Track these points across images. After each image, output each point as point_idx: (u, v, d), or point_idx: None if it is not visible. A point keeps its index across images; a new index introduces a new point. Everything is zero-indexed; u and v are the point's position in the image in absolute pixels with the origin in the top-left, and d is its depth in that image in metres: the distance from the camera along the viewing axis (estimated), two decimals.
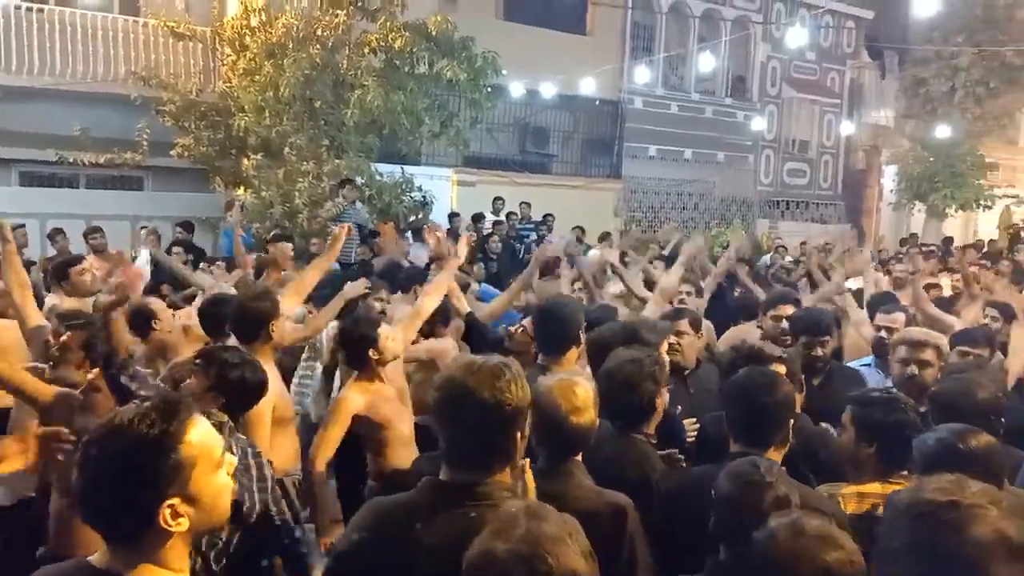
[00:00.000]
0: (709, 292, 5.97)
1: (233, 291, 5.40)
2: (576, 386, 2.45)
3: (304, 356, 5.42)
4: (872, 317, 5.16)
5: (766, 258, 12.93)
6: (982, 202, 19.72)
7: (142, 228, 8.56)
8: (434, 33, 11.00)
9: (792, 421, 2.70)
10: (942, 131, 17.97)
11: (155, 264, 8.54)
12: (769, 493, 2.20)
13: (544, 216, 13.03)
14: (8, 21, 11.45)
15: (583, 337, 3.60)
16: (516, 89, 14.03)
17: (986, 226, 22.03)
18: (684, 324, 4.26)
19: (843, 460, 2.87)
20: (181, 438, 1.53)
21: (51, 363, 3.51)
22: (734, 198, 19.75)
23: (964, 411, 2.82)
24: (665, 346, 3.72)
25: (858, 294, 6.46)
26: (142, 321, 4.57)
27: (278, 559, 3.10)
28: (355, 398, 3.84)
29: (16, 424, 3.73)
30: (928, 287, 7.59)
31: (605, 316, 4.31)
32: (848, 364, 4.81)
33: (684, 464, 3.04)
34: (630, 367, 2.93)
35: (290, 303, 4.50)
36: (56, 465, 2.72)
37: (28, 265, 7.09)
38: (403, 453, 3.97)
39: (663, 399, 3.03)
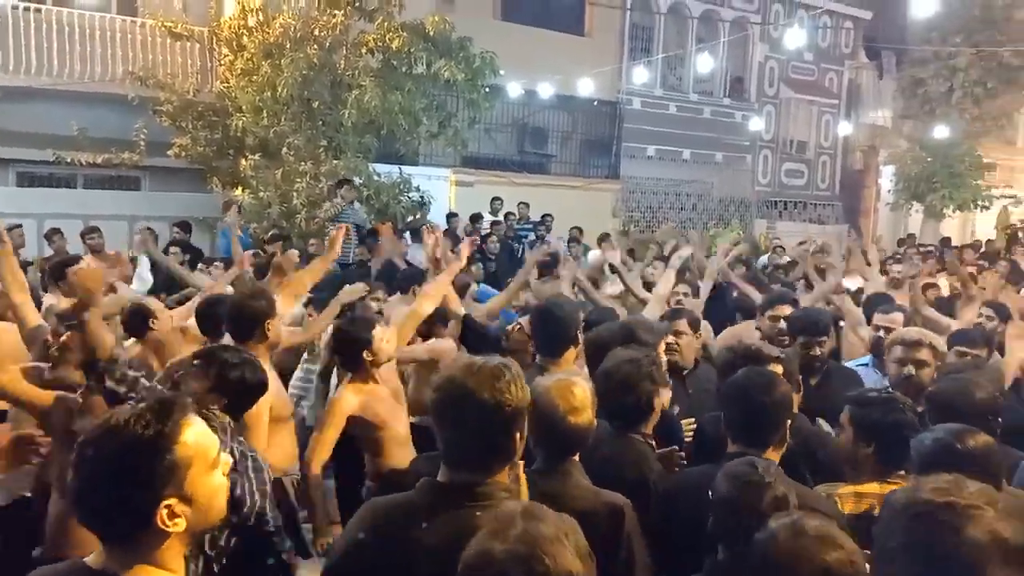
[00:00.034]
0: (705, 293, 5.97)
1: (231, 291, 5.39)
2: (574, 386, 2.45)
3: (304, 358, 5.42)
4: (868, 317, 5.17)
5: (764, 258, 12.93)
6: (980, 202, 19.74)
7: (143, 228, 8.52)
8: (432, 33, 11.00)
9: (790, 421, 2.70)
10: (940, 131, 17.98)
11: (153, 266, 8.54)
12: (767, 493, 2.20)
13: (542, 216, 13.03)
14: (5, 21, 11.43)
15: (581, 337, 3.60)
16: (514, 89, 14.03)
17: (984, 226, 22.06)
18: (682, 324, 4.26)
19: (841, 460, 2.87)
20: (176, 438, 1.54)
21: (51, 363, 3.51)
22: (732, 198, 19.76)
23: (961, 411, 2.82)
24: (663, 346, 3.72)
25: (856, 295, 6.47)
26: (139, 321, 4.54)
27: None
28: (350, 399, 3.84)
29: (15, 425, 3.73)
30: (926, 287, 7.60)
31: (604, 317, 4.31)
32: (846, 364, 4.81)
33: (684, 461, 3.04)
34: (628, 367, 2.93)
35: (284, 304, 4.50)
36: (56, 462, 2.73)
37: (25, 265, 7.08)
38: (400, 453, 3.96)
39: (661, 399, 3.02)
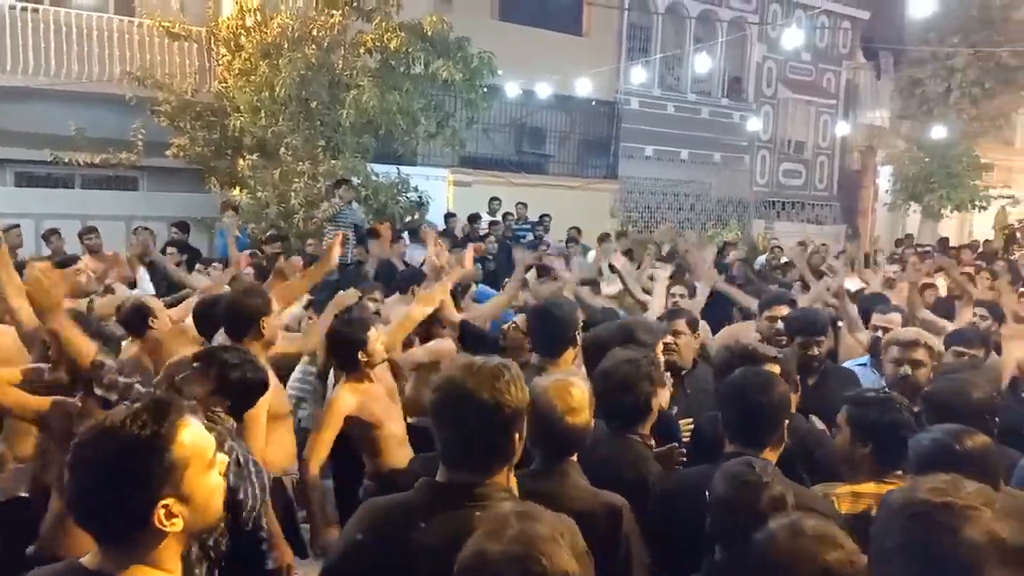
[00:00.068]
0: (702, 295, 5.97)
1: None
2: (572, 386, 2.45)
3: (303, 359, 5.41)
4: (865, 317, 5.17)
5: (761, 258, 12.94)
6: (977, 203, 19.74)
7: (141, 230, 8.48)
8: (430, 33, 10.99)
9: (787, 421, 2.70)
10: (938, 132, 17.99)
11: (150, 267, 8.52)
12: (765, 493, 2.21)
13: (540, 216, 13.03)
14: (3, 21, 11.40)
15: (579, 338, 3.60)
16: (512, 89, 14.01)
17: (982, 227, 22.08)
18: (681, 324, 4.25)
19: (838, 460, 2.87)
20: (173, 438, 1.54)
21: (50, 364, 3.50)
22: (730, 199, 19.76)
23: (958, 411, 2.82)
24: (660, 346, 3.72)
25: (855, 295, 6.47)
26: (139, 319, 4.54)
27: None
28: (347, 399, 3.84)
29: (7, 436, 3.74)
30: (924, 287, 7.61)
31: (604, 318, 4.31)
32: (844, 364, 4.82)
33: (685, 458, 3.04)
34: (626, 367, 2.93)
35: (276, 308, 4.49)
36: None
37: (21, 266, 7.07)
38: (399, 453, 3.97)
39: (659, 399, 3.02)
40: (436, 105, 11.90)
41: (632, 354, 3.02)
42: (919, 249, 12.85)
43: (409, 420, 4.29)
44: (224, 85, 11.68)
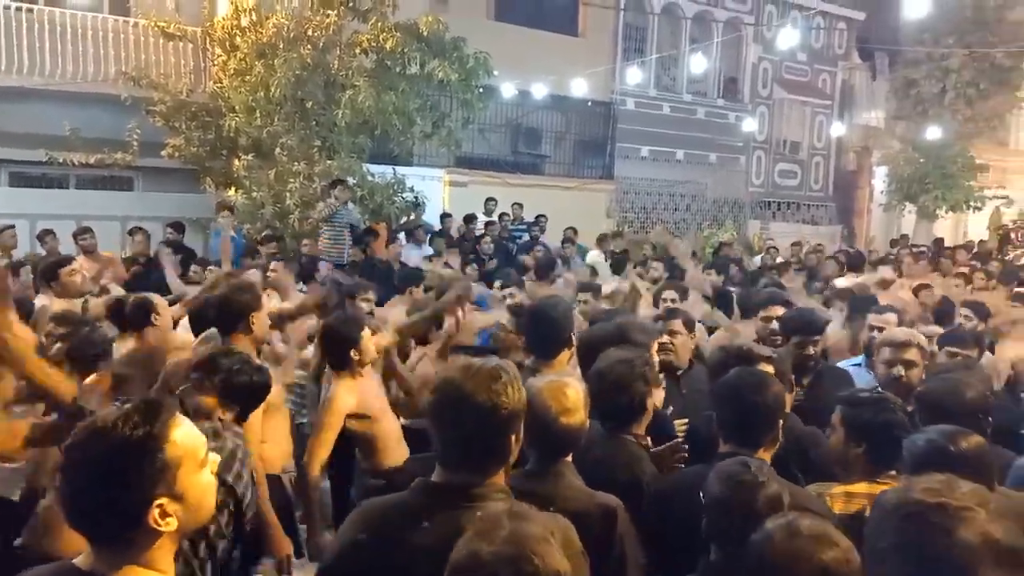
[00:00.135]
0: (694, 300, 5.97)
1: None
2: (567, 387, 2.45)
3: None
4: (852, 319, 5.20)
5: (757, 259, 12.95)
6: (972, 203, 19.79)
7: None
8: (425, 33, 10.98)
9: (782, 421, 2.70)
10: (933, 132, 18.03)
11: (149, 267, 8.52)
12: (761, 493, 2.21)
13: (536, 217, 13.02)
14: None
15: (575, 339, 3.60)
16: (508, 90, 14.02)
17: (976, 227, 22.13)
18: (678, 324, 4.26)
19: (832, 460, 2.87)
20: (166, 438, 1.54)
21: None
22: (726, 199, 19.79)
23: (952, 410, 2.83)
24: (655, 346, 3.72)
25: (844, 292, 6.49)
26: (141, 314, 4.55)
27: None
28: (345, 398, 3.85)
29: None
30: (920, 288, 7.63)
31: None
32: (839, 364, 4.82)
33: (686, 455, 3.04)
34: (621, 367, 2.93)
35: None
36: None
37: (19, 265, 7.07)
38: (398, 449, 3.99)
39: (654, 400, 3.03)
40: (432, 105, 11.89)
41: (626, 354, 3.02)
42: (914, 249, 12.87)
43: (403, 422, 4.30)
44: (219, 85, 11.66)
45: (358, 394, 3.90)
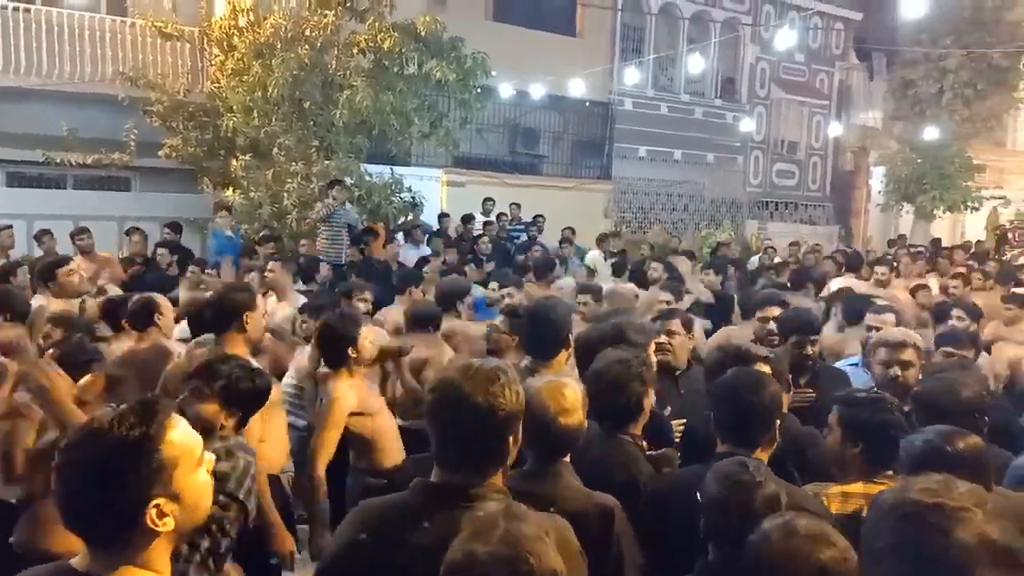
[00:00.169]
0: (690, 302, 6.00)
1: None
2: (565, 388, 2.45)
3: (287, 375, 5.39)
4: (851, 318, 5.21)
5: (755, 259, 12.97)
6: (970, 204, 19.80)
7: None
8: (423, 34, 10.97)
9: (779, 421, 2.70)
10: (930, 133, 18.04)
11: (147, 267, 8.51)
12: (759, 493, 2.21)
13: (534, 217, 13.03)
14: None
15: (572, 339, 3.60)
16: (506, 90, 14.03)
17: (974, 227, 22.15)
18: (675, 324, 4.25)
19: (829, 460, 2.87)
20: (162, 439, 1.54)
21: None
22: (723, 199, 19.81)
23: (948, 410, 2.83)
24: (652, 347, 3.72)
25: (838, 294, 6.51)
26: (145, 314, 4.56)
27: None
28: (348, 397, 3.87)
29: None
30: (917, 288, 7.65)
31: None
32: (837, 364, 4.83)
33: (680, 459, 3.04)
34: (618, 367, 2.93)
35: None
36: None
37: (16, 266, 7.06)
38: (394, 449, 3.99)
39: (651, 400, 3.03)
40: (430, 105, 11.89)
41: (623, 354, 3.02)
42: (912, 250, 12.88)
43: (400, 423, 4.30)
44: (217, 85, 11.65)
45: (359, 393, 3.92)
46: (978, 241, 18.22)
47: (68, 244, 8.41)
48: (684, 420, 3.60)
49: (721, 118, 19.54)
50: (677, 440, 3.43)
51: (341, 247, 9.69)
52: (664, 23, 18.45)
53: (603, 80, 16.90)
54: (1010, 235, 19.51)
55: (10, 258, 8.22)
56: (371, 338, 4.06)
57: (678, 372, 4.16)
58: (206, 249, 11.10)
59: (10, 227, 8.96)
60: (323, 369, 4.16)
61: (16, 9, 11.55)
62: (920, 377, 3.72)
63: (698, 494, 2.31)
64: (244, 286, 4.00)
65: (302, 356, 4.95)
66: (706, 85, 19.37)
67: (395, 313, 5.89)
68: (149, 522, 1.51)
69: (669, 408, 3.72)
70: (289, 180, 10.55)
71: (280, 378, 5.19)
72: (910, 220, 20.60)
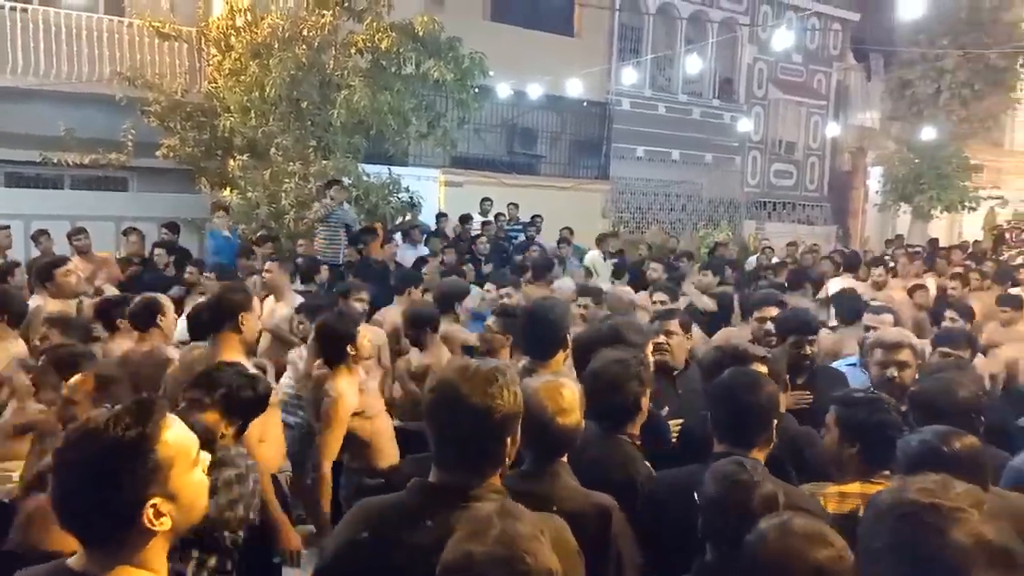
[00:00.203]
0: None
1: None
2: (563, 388, 2.46)
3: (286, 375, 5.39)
4: (846, 319, 5.21)
5: (752, 259, 12.98)
6: (967, 204, 19.82)
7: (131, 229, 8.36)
8: (421, 34, 10.97)
9: (776, 421, 2.70)
10: (927, 133, 18.06)
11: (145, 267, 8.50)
12: (756, 492, 2.21)
13: (532, 217, 13.03)
14: None
15: (570, 339, 3.61)
16: (503, 90, 14.03)
17: (971, 227, 22.17)
18: (674, 324, 4.25)
19: (827, 460, 2.88)
20: (157, 439, 1.54)
21: (34, 393, 3.52)
22: (721, 199, 19.83)
23: (944, 410, 2.84)
24: (650, 347, 3.72)
25: (836, 297, 6.51)
26: (148, 315, 4.56)
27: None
28: (351, 396, 3.89)
29: None
30: (915, 288, 7.66)
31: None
32: (834, 364, 4.83)
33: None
34: (616, 367, 2.93)
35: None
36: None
37: (14, 266, 7.06)
38: (390, 450, 4.00)
39: (648, 400, 3.03)
40: (427, 105, 11.88)
41: (621, 354, 3.02)
42: (909, 250, 12.89)
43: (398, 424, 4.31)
44: (214, 85, 11.63)
45: (358, 392, 3.93)
46: (975, 241, 18.23)
47: (65, 244, 8.41)
48: (682, 420, 3.60)
49: (719, 118, 19.55)
50: (674, 440, 3.44)
51: (339, 247, 9.69)
52: (662, 23, 18.46)
53: (601, 80, 16.90)
54: (1007, 235, 19.55)
55: (7, 258, 8.22)
56: (369, 337, 4.07)
57: (676, 372, 4.16)
58: (204, 249, 11.08)
59: (7, 227, 8.96)
60: (321, 369, 4.16)
61: (13, 9, 11.54)
62: (917, 377, 3.72)
63: (696, 494, 2.31)
64: (240, 287, 4.01)
65: (296, 356, 4.96)
66: (704, 85, 19.38)
67: (394, 313, 5.90)
68: (146, 522, 1.51)
69: (667, 408, 3.72)
70: (287, 180, 10.54)
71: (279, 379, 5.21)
72: (907, 220, 20.62)
